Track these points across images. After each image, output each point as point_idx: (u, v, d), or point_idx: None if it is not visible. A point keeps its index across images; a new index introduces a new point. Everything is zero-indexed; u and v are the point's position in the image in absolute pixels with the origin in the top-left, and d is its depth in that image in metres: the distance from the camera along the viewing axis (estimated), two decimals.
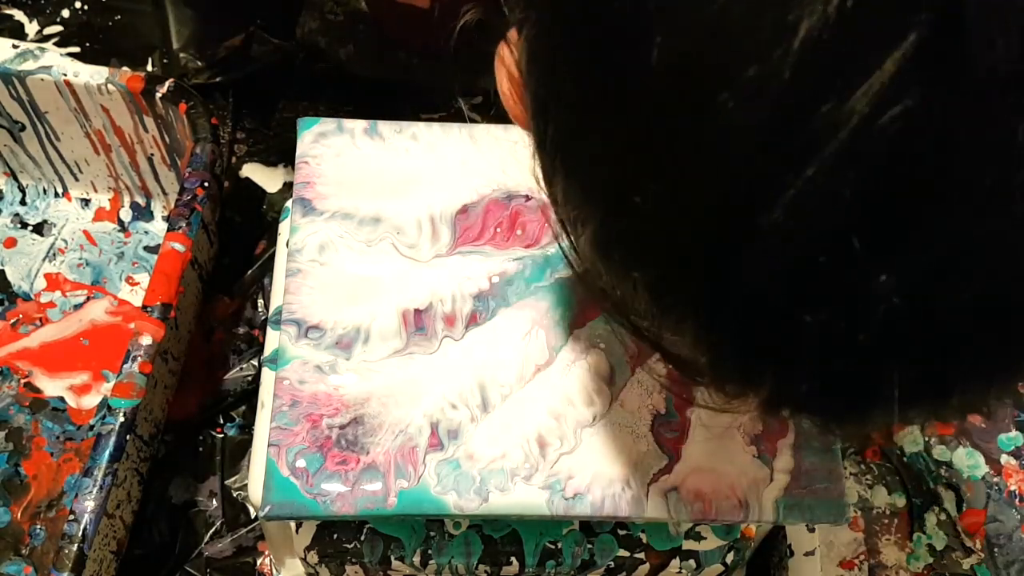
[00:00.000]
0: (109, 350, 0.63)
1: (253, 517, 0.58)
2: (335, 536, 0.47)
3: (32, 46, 0.60)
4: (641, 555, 0.47)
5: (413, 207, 0.46)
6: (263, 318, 0.64)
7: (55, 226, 0.67)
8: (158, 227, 0.67)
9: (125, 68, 0.61)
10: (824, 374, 0.24)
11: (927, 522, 0.61)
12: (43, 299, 0.64)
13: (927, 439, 0.63)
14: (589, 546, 0.47)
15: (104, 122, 0.62)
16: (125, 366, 0.51)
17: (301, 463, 0.40)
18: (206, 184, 0.57)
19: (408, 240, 0.45)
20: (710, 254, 0.23)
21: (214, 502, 0.59)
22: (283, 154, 0.70)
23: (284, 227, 0.53)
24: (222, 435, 0.61)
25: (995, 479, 0.62)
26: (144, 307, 0.53)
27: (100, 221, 0.67)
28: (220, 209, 0.61)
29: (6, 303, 0.64)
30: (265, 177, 0.70)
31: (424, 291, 0.44)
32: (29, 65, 0.59)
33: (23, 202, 0.68)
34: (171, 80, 0.59)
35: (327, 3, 0.72)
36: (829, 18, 0.19)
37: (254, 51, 0.72)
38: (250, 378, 0.62)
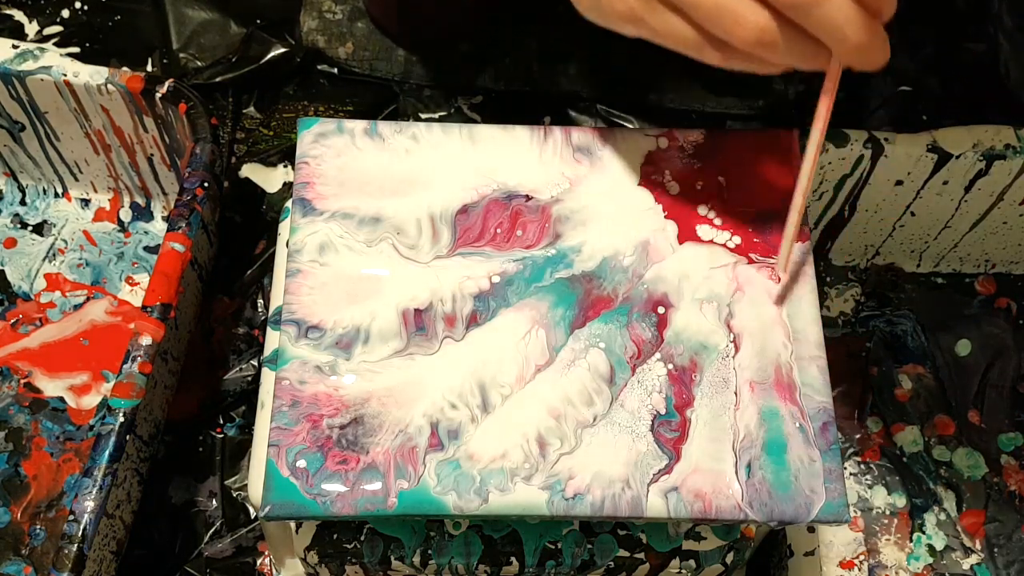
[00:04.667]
0: (109, 350, 0.63)
1: (253, 517, 0.58)
2: (335, 536, 0.47)
3: (32, 46, 0.60)
4: (641, 555, 0.47)
5: (413, 207, 0.46)
6: (263, 318, 0.64)
7: (55, 226, 0.67)
8: (158, 227, 0.67)
9: (125, 68, 0.61)
10: None
11: (927, 522, 0.61)
12: (43, 299, 0.64)
13: (927, 439, 0.63)
14: (589, 546, 0.47)
15: (104, 122, 0.62)
16: (125, 366, 0.51)
17: (301, 463, 0.40)
18: (206, 184, 0.57)
19: (408, 241, 0.45)
20: None
21: (214, 502, 0.59)
22: (283, 154, 0.70)
23: (284, 227, 0.53)
24: (222, 435, 0.61)
25: (995, 479, 0.62)
26: (144, 307, 0.53)
27: (100, 221, 0.67)
28: (220, 209, 0.61)
29: (6, 303, 0.64)
30: (265, 177, 0.70)
31: (424, 291, 0.44)
32: (29, 65, 0.59)
33: (23, 202, 0.68)
34: (171, 80, 0.59)
35: (326, 2, 0.72)
36: None
37: (254, 51, 0.72)
38: (250, 378, 0.62)
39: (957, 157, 0.60)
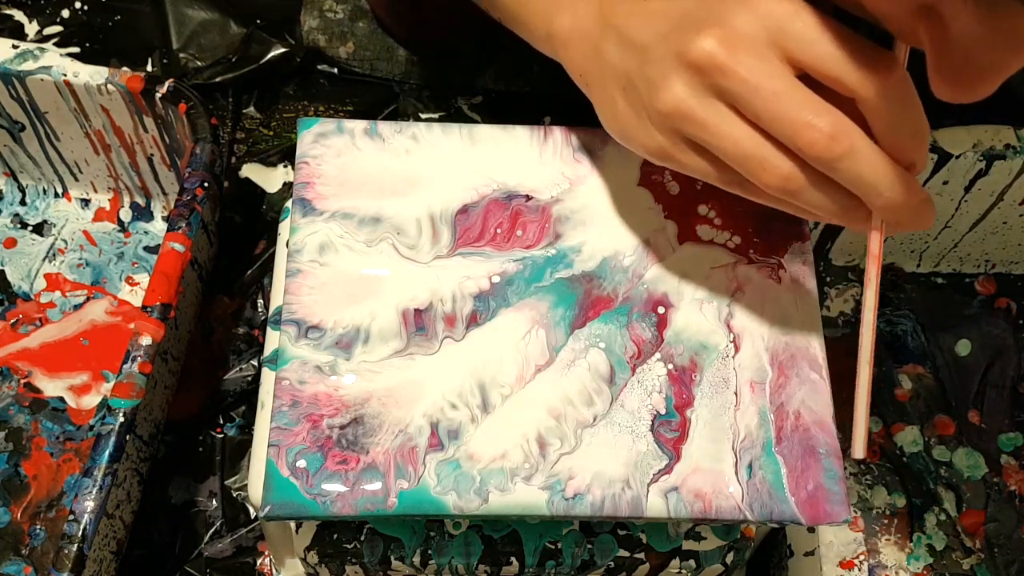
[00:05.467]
0: (109, 350, 0.63)
1: (253, 517, 0.58)
2: (335, 536, 0.47)
3: (32, 46, 0.60)
4: (641, 555, 0.47)
5: (413, 207, 0.46)
6: (263, 318, 0.64)
7: (55, 226, 0.67)
8: (158, 227, 0.67)
9: (125, 68, 0.61)
10: None
11: (927, 522, 0.61)
12: (43, 299, 0.64)
13: (927, 439, 0.63)
14: (589, 546, 0.47)
15: (104, 122, 0.62)
16: (125, 366, 0.51)
17: (301, 463, 0.40)
18: (206, 184, 0.57)
19: (408, 241, 0.45)
20: None
21: (214, 502, 0.59)
22: (283, 154, 0.70)
23: (284, 227, 0.53)
24: (222, 435, 0.61)
25: (995, 479, 0.62)
26: (144, 307, 0.53)
27: (100, 221, 0.67)
28: (220, 209, 0.61)
29: (6, 303, 0.64)
30: (265, 177, 0.70)
31: (424, 291, 0.44)
32: (29, 65, 0.59)
33: (23, 202, 0.68)
34: (171, 80, 0.59)
35: (327, 1, 0.72)
36: None
37: (254, 51, 0.72)
38: (250, 378, 0.62)
39: (957, 157, 0.60)
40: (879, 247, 0.37)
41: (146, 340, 0.52)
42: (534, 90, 0.72)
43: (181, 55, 0.72)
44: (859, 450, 0.39)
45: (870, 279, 0.38)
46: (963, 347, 0.66)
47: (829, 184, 0.35)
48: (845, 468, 0.62)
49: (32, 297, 0.64)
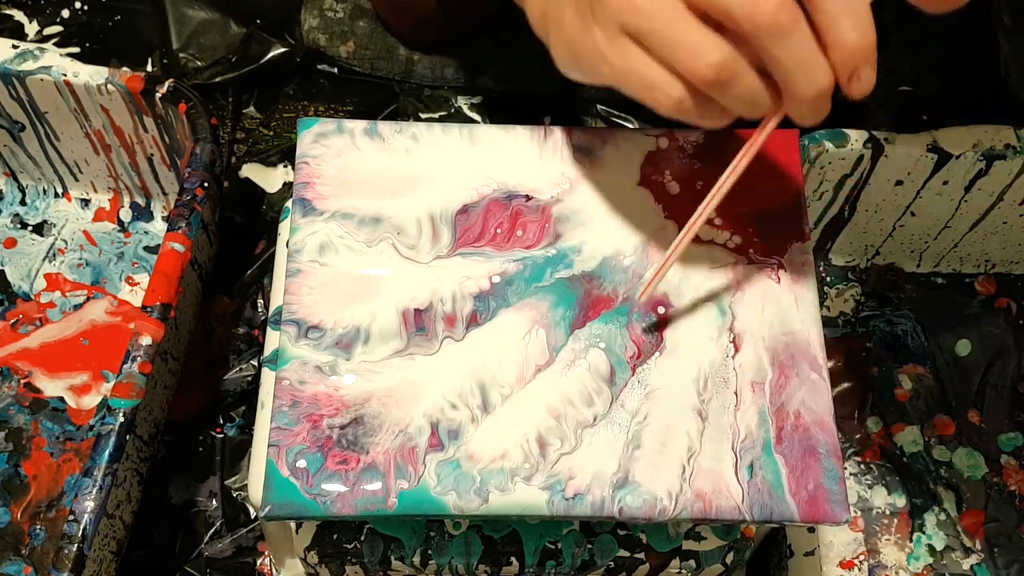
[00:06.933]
0: (109, 350, 0.63)
1: (253, 517, 0.58)
2: (335, 536, 0.47)
3: (32, 46, 0.60)
4: (641, 555, 0.47)
5: (413, 207, 0.46)
6: (263, 318, 0.64)
7: (55, 226, 0.67)
8: (158, 227, 0.67)
9: (125, 68, 0.61)
10: None
11: (927, 522, 0.61)
12: (43, 299, 0.64)
13: (927, 439, 0.63)
14: (589, 546, 0.47)
15: (104, 122, 0.62)
16: (125, 366, 0.51)
17: (301, 463, 0.40)
18: (206, 184, 0.57)
19: (408, 241, 0.45)
20: None
21: (214, 502, 0.59)
22: (283, 154, 0.70)
23: (284, 227, 0.53)
24: (222, 435, 0.61)
25: (995, 479, 0.62)
26: (144, 307, 0.53)
27: (100, 221, 0.67)
28: (220, 209, 0.61)
29: (6, 303, 0.64)
30: (265, 177, 0.70)
31: (424, 291, 0.44)
32: (29, 65, 0.59)
33: (23, 202, 0.68)
34: (171, 80, 0.59)
35: (327, 0, 0.72)
36: None
37: (254, 51, 0.72)
38: (250, 378, 0.62)
39: (957, 157, 0.60)
40: (765, 137, 0.39)
41: (146, 340, 0.52)
42: (534, 90, 0.72)
43: (181, 55, 0.72)
44: (645, 295, 0.43)
45: (746, 153, 0.40)
46: (963, 347, 0.66)
47: (754, 77, 0.36)
48: (845, 468, 0.62)
49: (32, 297, 0.64)
